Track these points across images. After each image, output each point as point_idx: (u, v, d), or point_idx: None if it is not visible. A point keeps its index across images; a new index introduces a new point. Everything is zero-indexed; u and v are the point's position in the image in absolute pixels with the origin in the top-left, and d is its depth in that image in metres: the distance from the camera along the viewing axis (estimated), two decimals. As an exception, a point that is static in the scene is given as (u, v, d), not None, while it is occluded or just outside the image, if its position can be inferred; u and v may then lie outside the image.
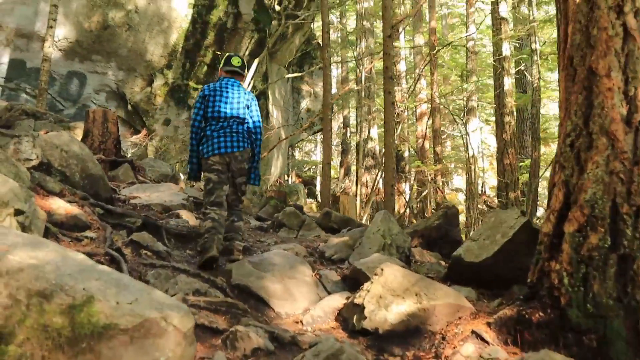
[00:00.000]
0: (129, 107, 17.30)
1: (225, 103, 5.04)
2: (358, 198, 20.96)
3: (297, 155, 34.35)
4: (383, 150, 23.90)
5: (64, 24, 15.90)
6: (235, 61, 5.24)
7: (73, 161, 5.79)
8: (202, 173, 5.14)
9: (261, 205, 9.85)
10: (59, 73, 16.45)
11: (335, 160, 31.12)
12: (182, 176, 9.49)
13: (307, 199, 26.60)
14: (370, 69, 20.40)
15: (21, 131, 4.45)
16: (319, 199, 26.78)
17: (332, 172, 26.69)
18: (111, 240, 4.60)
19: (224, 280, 4.63)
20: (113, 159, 8.52)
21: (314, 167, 32.46)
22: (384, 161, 15.00)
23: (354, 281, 4.78)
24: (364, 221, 17.41)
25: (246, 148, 5.05)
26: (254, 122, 5.17)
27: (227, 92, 5.09)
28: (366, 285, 4.13)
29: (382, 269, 4.15)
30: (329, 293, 4.75)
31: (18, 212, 3.23)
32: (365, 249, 5.24)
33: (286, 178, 27.50)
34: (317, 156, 36.40)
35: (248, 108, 5.14)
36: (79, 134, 9.05)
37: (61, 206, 4.81)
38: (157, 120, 17.51)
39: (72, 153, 5.82)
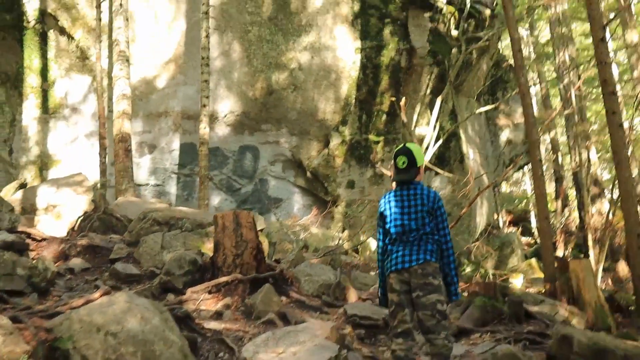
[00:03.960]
0: (308, 174, 15.24)
1: (402, 213, 4.11)
2: (589, 236, 16.71)
3: (504, 187, 30.10)
4: (611, 176, 19.35)
5: (227, 97, 14.38)
6: (401, 162, 4.11)
7: (128, 349, 3.32)
8: None
9: (463, 306, 6.80)
10: (231, 150, 14.93)
11: (548, 188, 26.58)
12: (350, 285, 6.82)
13: (523, 238, 22.65)
14: (579, 86, 16.12)
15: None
16: (537, 237, 22.65)
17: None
18: None
19: None
20: (253, 277, 6.09)
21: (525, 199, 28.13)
22: (620, 201, 11.15)
23: None
24: (599, 274, 13.33)
25: (428, 260, 3.94)
26: (440, 231, 4.10)
27: (403, 200, 4.15)
28: None
29: None
30: None
31: None
32: None
33: (495, 217, 23.80)
34: (527, 185, 31.96)
35: (431, 214, 4.07)
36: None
37: None
38: (340, 183, 15.22)
39: (126, 334, 3.37)
